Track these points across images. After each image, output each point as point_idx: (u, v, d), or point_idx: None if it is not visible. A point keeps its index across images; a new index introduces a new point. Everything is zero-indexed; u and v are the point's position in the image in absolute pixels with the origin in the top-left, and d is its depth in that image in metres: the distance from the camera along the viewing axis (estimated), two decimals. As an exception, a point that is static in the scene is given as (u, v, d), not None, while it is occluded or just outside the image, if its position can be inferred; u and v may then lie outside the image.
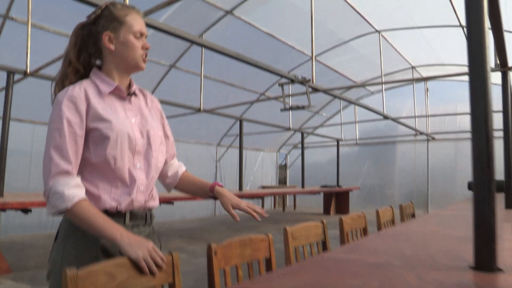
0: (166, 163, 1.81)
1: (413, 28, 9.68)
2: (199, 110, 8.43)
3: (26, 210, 5.55)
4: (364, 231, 3.11)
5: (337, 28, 9.61)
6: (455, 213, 4.18)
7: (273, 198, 16.43)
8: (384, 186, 15.03)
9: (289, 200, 16.76)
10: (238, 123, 11.71)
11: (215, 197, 1.83)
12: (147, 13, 4.14)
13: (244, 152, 10.48)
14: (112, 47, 1.56)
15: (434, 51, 11.32)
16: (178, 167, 1.87)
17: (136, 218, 1.56)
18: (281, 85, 6.08)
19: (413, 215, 4.49)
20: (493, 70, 5.20)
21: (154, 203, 1.65)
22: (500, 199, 5.18)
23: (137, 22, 1.58)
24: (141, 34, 1.59)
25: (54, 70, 5.92)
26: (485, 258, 1.45)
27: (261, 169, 15.85)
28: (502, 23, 3.58)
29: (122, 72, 1.61)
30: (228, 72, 10.16)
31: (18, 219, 7.68)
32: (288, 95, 6.49)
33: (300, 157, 16.43)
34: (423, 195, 13.92)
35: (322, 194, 13.95)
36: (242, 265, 1.77)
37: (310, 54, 10.64)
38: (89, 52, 1.60)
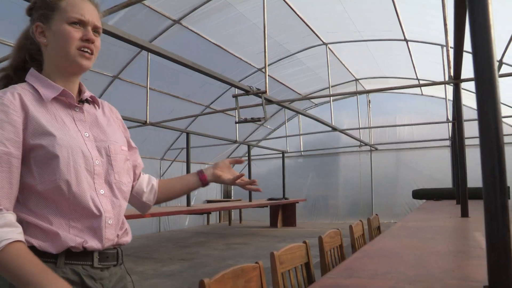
0: (136, 178, 1.50)
1: (359, 41, 9.84)
2: (145, 123, 8.05)
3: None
4: (341, 248, 2.95)
5: (285, 40, 9.58)
6: (419, 224, 4.14)
7: (218, 212, 16.11)
8: (329, 197, 15.13)
9: (234, 213, 16.51)
10: (182, 136, 11.37)
11: (207, 183, 1.59)
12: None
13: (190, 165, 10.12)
14: (44, 40, 1.23)
15: (377, 64, 11.60)
16: (149, 179, 1.55)
17: (106, 258, 1.22)
18: (235, 96, 5.88)
19: (378, 228, 4.41)
20: (446, 82, 5.30)
21: (127, 238, 1.32)
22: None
23: (75, 8, 1.22)
24: (81, 22, 1.22)
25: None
26: (501, 276, 1.32)
27: (206, 184, 15.50)
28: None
29: (62, 73, 1.25)
30: (172, 84, 9.85)
31: None
32: (241, 107, 6.31)
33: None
34: (367, 205, 14.14)
35: (268, 207, 13.82)
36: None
37: (256, 66, 10.58)
38: (28, 51, 1.28)
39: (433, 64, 9.96)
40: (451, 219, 4.53)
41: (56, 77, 1.25)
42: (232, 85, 5.61)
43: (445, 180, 12.14)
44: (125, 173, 1.33)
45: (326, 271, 2.54)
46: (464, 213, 4.66)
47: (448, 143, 12.74)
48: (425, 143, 13.22)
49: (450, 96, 10.30)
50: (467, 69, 4.75)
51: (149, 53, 7.14)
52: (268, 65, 10.47)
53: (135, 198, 1.51)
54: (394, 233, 3.34)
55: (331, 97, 10.13)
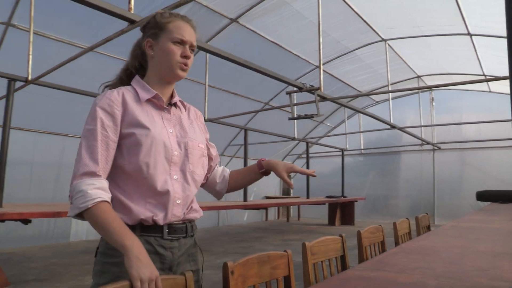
0: (211, 171, 1.83)
1: (419, 37, 9.56)
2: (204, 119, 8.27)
3: (26, 221, 5.37)
4: (382, 245, 2.94)
5: (342, 37, 9.50)
6: (473, 225, 4.01)
7: (277, 208, 16.22)
8: (389, 197, 14.80)
9: (293, 210, 16.56)
10: (242, 132, 11.55)
11: (266, 172, 1.80)
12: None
13: (247, 162, 10.29)
14: (151, 53, 1.56)
15: (439, 60, 11.21)
16: (223, 171, 1.86)
17: (175, 231, 1.51)
18: (289, 93, 5.94)
19: (428, 227, 4.31)
20: (506, 78, 5.07)
21: (196, 214, 1.61)
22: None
23: (179, 30, 1.55)
24: (182, 42, 1.55)
25: (55, 77, 5.78)
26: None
27: (265, 180, 15.66)
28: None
29: (161, 80, 1.59)
30: (232, 81, 10.04)
31: (17, 230, 7.53)
32: (295, 104, 6.34)
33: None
34: (429, 206, 13.70)
35: (327, 205, 13.75)
36: (260, 285, 1.62)
37: (315, 64, 10.55)
38: (138, 59, 1.64)
39: (501, 58, 9.48)
40: (509, 222, 4.34)
41: (154, 83, 1.58)
42: (286, 82, 5.66)
43: (514, 182, 11.56)
44: (199, 166, 1.62)
45: (364, 266, 2.55)
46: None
47: (518, 143, 12.11)
48: (493, 143, 12.61)
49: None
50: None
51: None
52: (326, 63, 10.50)
53: (210, 187, 1.84)
54: (441, 232, 3.27)
55: (390, 94, 9.93)
